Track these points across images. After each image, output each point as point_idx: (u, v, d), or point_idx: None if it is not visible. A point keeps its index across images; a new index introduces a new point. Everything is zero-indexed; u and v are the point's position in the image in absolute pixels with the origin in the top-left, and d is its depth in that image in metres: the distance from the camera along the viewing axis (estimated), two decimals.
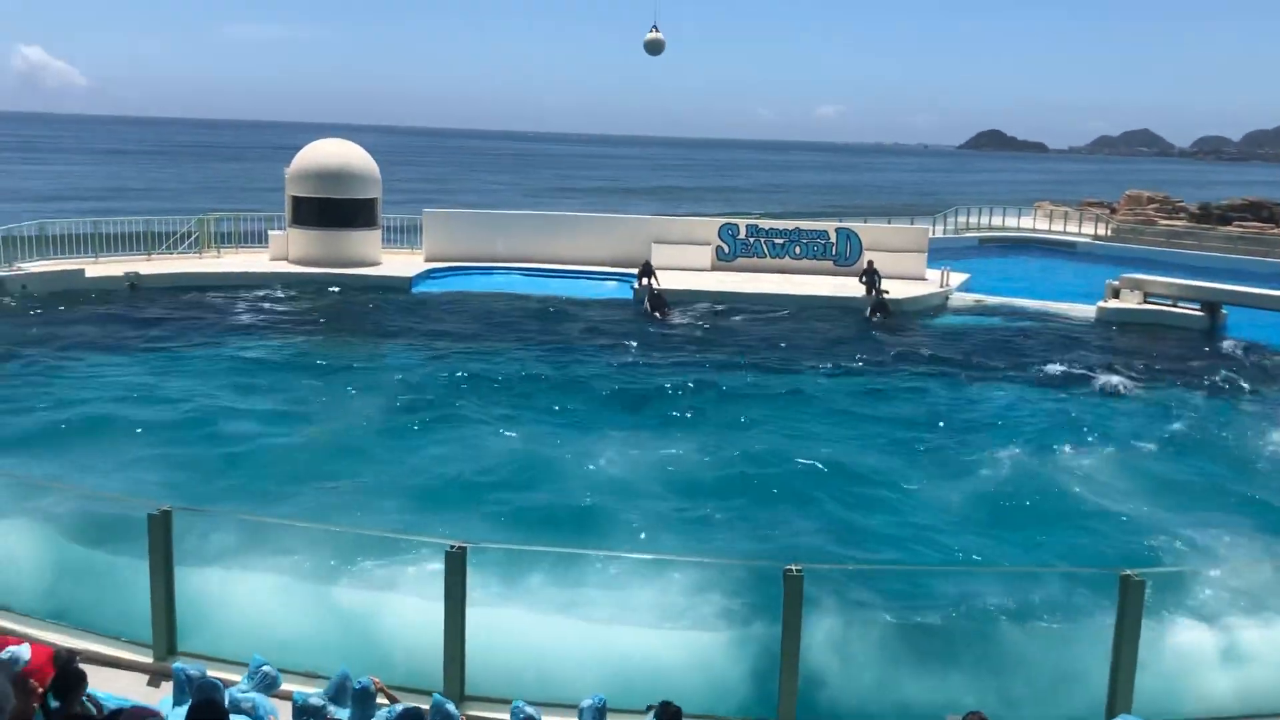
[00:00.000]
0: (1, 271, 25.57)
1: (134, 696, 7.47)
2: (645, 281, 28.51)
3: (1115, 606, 8.14)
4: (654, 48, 31.01)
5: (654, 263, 29.32)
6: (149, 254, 29.62)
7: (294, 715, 6.46)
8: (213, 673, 7.26)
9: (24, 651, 6.64)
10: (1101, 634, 8.34)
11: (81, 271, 26.69)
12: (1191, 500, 14.39)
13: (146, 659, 8.84)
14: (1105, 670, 8.18)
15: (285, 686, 7.82)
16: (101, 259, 28.40)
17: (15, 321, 23.01)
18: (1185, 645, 9.03)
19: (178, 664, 6.88)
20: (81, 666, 6.48)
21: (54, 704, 5.86)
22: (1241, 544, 12.75)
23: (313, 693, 6.55)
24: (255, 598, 9.47)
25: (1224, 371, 22.34)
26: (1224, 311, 28.08)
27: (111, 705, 6.41)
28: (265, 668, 7.21)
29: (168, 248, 30.33)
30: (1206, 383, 21.44)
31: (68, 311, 24.16)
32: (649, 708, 6.81)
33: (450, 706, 6.65)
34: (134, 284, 26.77)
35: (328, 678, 7.35)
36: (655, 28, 30.71)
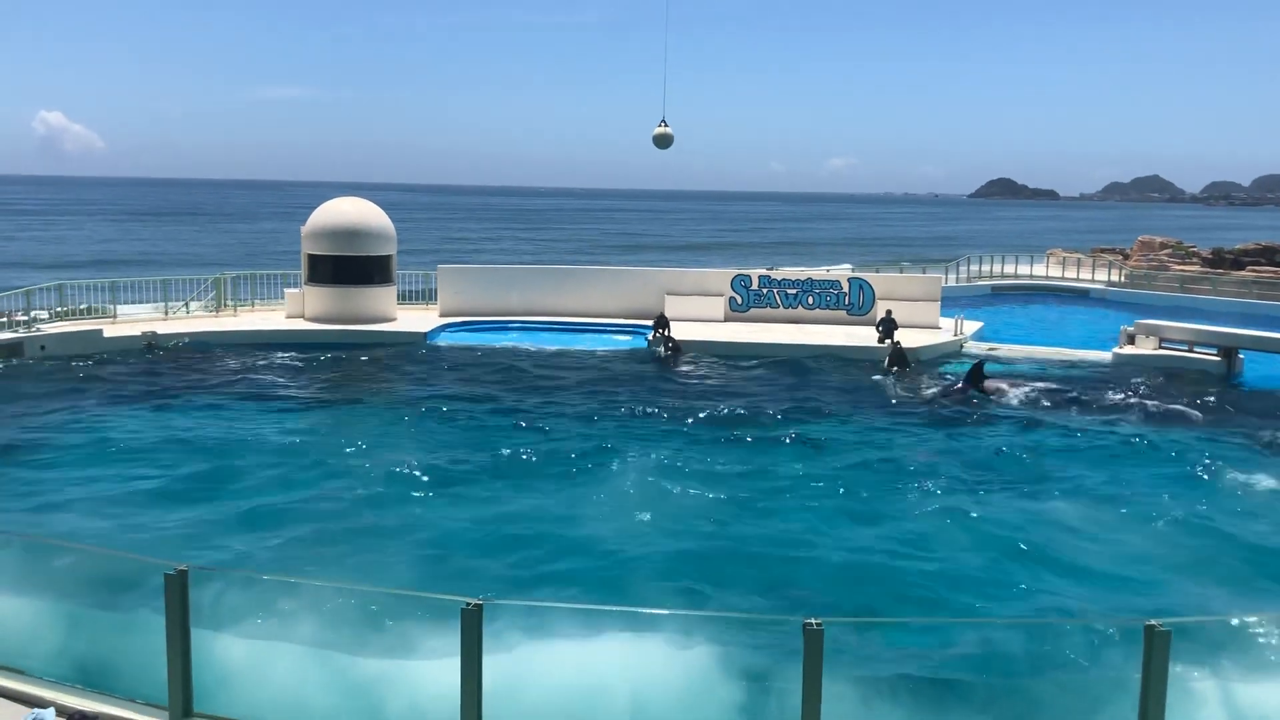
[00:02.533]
0: (20, 332, 25.81)
1: None
2: (660, 333, 28.63)
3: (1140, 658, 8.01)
4: (663, 142, 31.44)
5: (667, 314, 29.42)
6: (166, 313, 29.90)
7: None
8: None
9: (48, 715, 6.64)
10: (1129, 687, 8.20)
11: (100, 332, 26.93)
12: (1214, 549, 14.22)
13: None
14: None
15: None
16: (119, 319, 28.68)
17: (34, 382, 23.17)
18: (1215, 697, 8.87)
19: None
20: None
21: None
22: (1266, 592, 12.60)
23: None
24: (271, 658, 9.41)
25: (1242, 416, 22.16)
26: (1240, 356, 27.96)
27: None
28: None
29: (184, 306, 30.61)
30: (1225, 429, 21.27)
31: (86, 372, 24.33)
32: None
33: None
34: (151, 344, 26.98)
35: None
36: (664, 122, 31.14)
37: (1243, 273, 48.57)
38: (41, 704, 7.82)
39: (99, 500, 15.18)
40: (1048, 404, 23.43)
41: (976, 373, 24.48)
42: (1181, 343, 28.79)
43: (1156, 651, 7.94)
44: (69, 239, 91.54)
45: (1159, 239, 57.84)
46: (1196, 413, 22.62)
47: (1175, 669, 8.08)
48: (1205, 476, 17.81)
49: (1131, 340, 29.17)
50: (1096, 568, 13.39)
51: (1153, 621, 8.04)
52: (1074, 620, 11.31)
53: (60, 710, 7.71)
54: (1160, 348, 28.75)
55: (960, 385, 24.31)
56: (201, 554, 12.54)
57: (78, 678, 9.31)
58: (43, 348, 25.48)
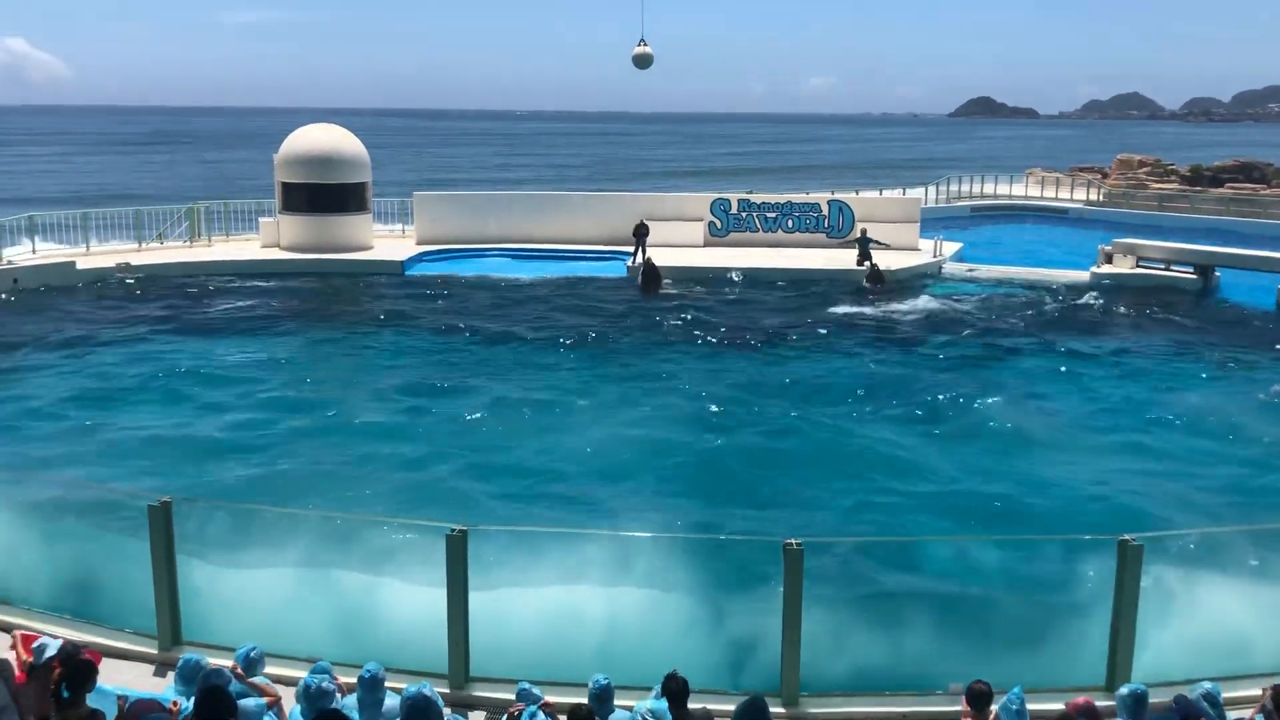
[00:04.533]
0: None
1: (140, 688, 7.52)
2: (639, 257, 28.54)
3: (1114, 572, 8.19)
4: (642, 61, 30.93)
5: (645, 243, 29.25)
6: (140, 244, 29.55)
7: (305, 700, 6.49)
8: (219, 661, 7.28)
9: (52, 644, 6.73)
10: (1102, 600, 8.40)
11: (73, 264, 26.61)
12: (1188, 463, 14.47)
13: (152, 650, 8.87)
14: (1105, 636, 8.24)
15: (290, 672, 7.88)
16: (92, 250, 28.34)
17: (8, 314, 22.94)
18: (1185, 608, 9.08)
19: (188, 654, 6.89)
20: (89, 658, 6.53)
21: (65, 695, 5.91)
22: (1237, 503, 12.85)
23: (321, 678, 6.57)
24: (258, 586, 9.50)
25: (1218, 333, 22.39)
26: (1216, 274, 28.15)
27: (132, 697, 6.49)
28: (252, 652, 7.26)
29: (158, 237, 30.24)
30: (1200, 345, 21.50)
31: (60, 303, 24.08)
32: (663, 687, 6.85)
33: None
34: (125, 274, 26.70)
35: (335, 664, 7.37)
36: (643, 41, 30.59)
37: (1221, 190, 48.59)
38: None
39: (80, 432, 15.16)
40: (1023, 320, 23.59)
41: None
42: (1159, 261, 28.94)
43: (1129, 565, 8.12)
44: (37, 171, 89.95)
45: (1138, 157, 57.69)
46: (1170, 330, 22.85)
47: (1146, 582, 8.27)
48: (1178, 392, 18.04)
49: (1109, 259, 29.28)
50: (1068, 484, 13.60)
51: (1126, 536, 8.21)
52: (1048, 536, 11.50)
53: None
54: (1137, 266, 28.90)
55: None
56: (183, 484, 12.57)
57: (67, 608, 9.40)
58: (15, 280, 25.17)
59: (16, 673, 6.63)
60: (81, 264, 26.81)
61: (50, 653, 6.67)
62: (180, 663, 6.86)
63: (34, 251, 27.25)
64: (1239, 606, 9.17)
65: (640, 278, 27.59)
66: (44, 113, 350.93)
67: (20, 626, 8.69)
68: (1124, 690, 6.44)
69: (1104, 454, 14.89)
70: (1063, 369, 19.67)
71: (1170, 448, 15.17)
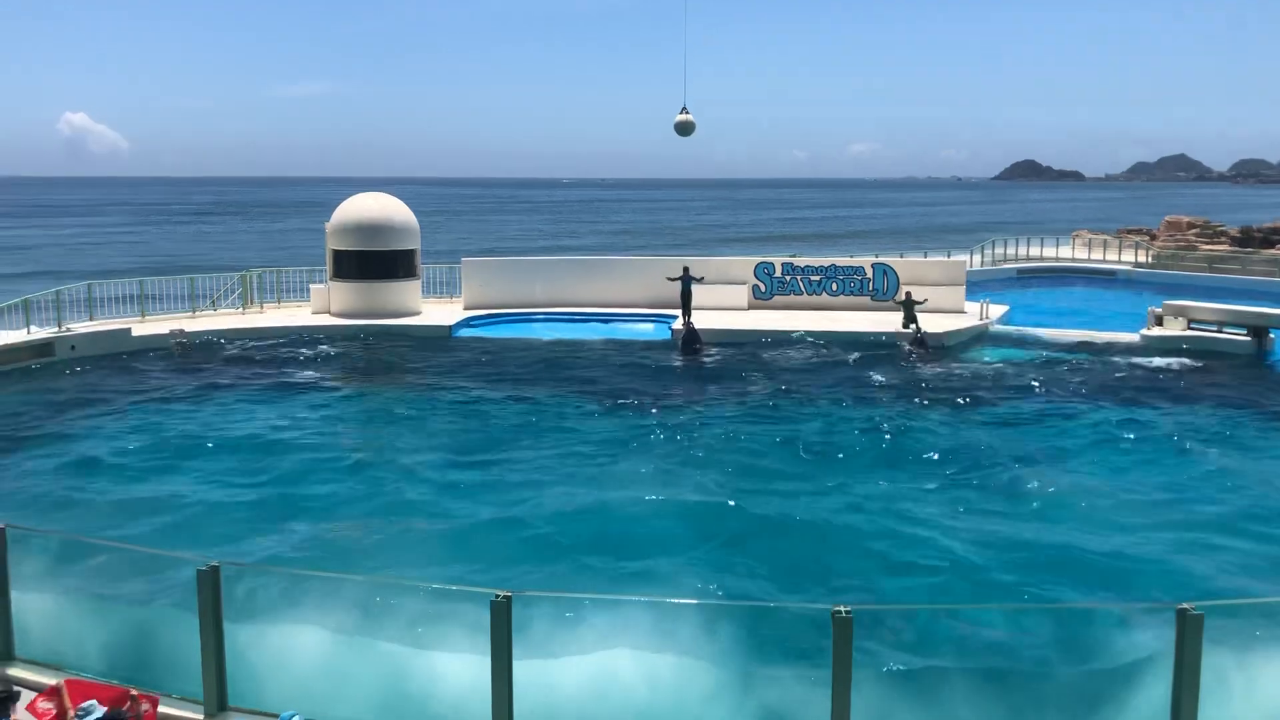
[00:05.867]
0: (50, 332, 26.08)
1: None
2: (683, 317, 28.65)
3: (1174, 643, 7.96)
4: (684, 129, 31.31)
5: (691, 304, 29.32)
6: (194, 311, 30.16)
7: None
8: None
9: (97, 709, 6.77)
10: (1163, 672, 8.16)
11: (128, 331, 27.19)
12: (1248, 531, 14.11)
13: (198, 716, 8.87)
14: (1166, 710, 7.99)
15: None
16: (148, 318, 28.98)
17: (65, 381, 23.43)
18: (1248, 681, 8.80)
19: None
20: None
21: None
22: None
23: None
24: (304, 652, 9.50)
25: (1273, 396, 21.93)
26: (1271, 335, 27.63)
27: None
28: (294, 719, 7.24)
29: (212, 303, 30.86)
30: (1255, 409, 21.06)
31: (116, 371, 24.56)
32: None
33: None
34: (180, 342, 27.22)
35: None
36: (685, 109, 31.03)
37: (1273, 251, 47.95)
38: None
39: (130, 496, 15.35)
40: (1073, 384, 23.28)
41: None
42: (1210, 323, 28.47)
43: (1189, 635, 7.88)
44: (97, 240, 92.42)
45: (1186, 218, 57.18)
46: (1225, 394, 22.41)
47: (1208, 653, 8.02)
48: (1238, 457, 17.65)
49: (1160, 321, 28.87)
50: (1126, 552, 13.30)
51: (1185, 605, 7.99)
52: (1106, 604, 11.25)
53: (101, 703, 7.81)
54: (1189, 329, 28.45)
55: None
56: (234, 548, 12.68)
57: (115, 673, 9.44)
58: (73, 347, 25.74)
59: None
60: (137, 331, 27.39)
61: (95, 716, 6.71)
62: None
63: (91, 319, 27.90)
64: None
65: (680, 341, 27.68)
66: (104, 184, 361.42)
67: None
68: None
69: (1158, 520, 14.56)
70: (1114, 433, 19.33)
71: (1226, 514, 14.80)
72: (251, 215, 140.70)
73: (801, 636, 9.61)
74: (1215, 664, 8.17)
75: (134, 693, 8.19)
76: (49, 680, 9.08)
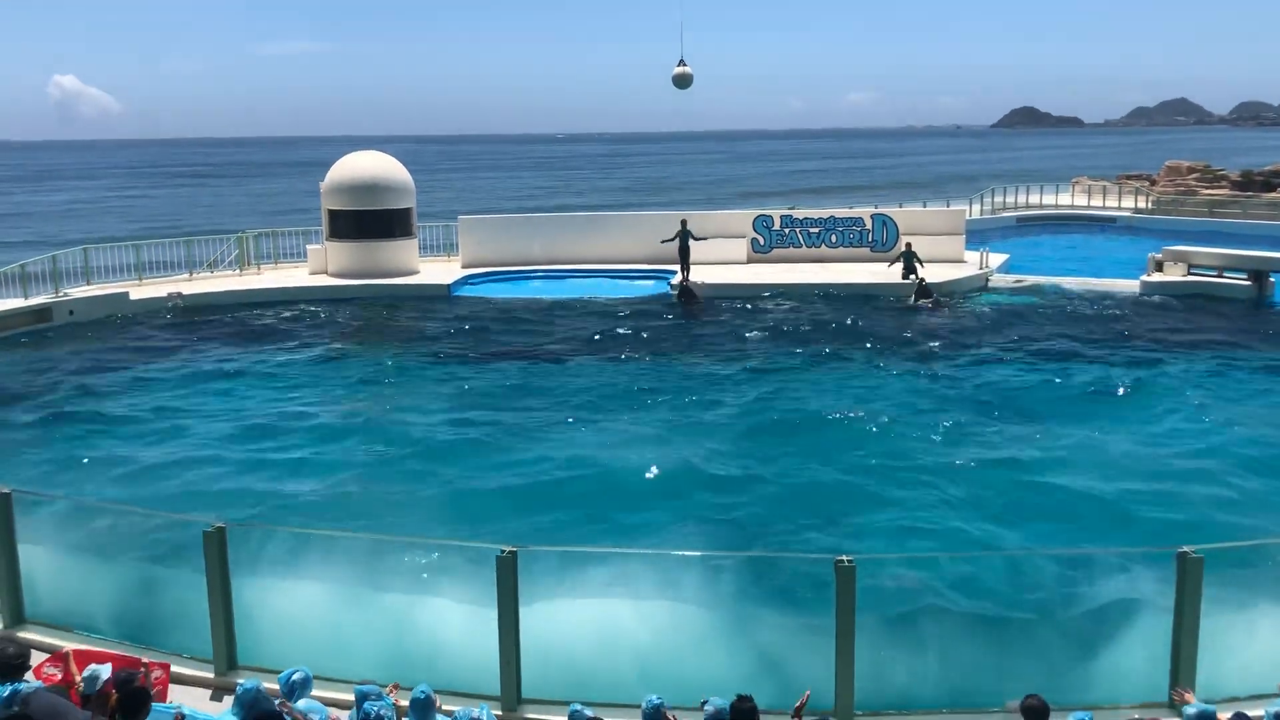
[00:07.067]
0: (48, 297, 26.03)
1: (200, 710, 7.59)
2: (682, 277, 28.56)
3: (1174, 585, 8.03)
4: (682, 81, 31.01)
5: (690, 259, 29.21)
6: (191, 274, 30.08)
7: None
8: (273, 685, 7.34)
9: (104, 670, 6.84)
10: (1162, 615, 8.23)
11: (126, 294, 27.12)
12: (1248, 474, 14.17)
13: (209, 674, 8.97)
14: (1166, 651, 8.08)
15: (344, 695, 7.91)
16: (145, 281, 28.90)
17: (64, 346, 23.42)
18: (1246, 622, 8.88)
19: (247, 683, 6.94)
20: (144, 684, 6.64)
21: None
22: None
23: (378, 704, 6.62)
24: (312, 609, 9.59)
25: (1273, 340, 21.93)
26: (1271, 280, 27.57)
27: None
28: (295, 675, 7.23)
29: (209, 266, 30.76)
30: (1255, 352, 21.08)
31: (115, 334, 24.54)
32: (702, 703, 6.82)
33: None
34: (178, 304, 27.17)
35: (385, 685, 7.41)
36: (682, 61, 30.69)
37: (1273, 194, 47.65)
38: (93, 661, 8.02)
39: (134, 458, 15.40)
40: (1073, 331, 23.27)
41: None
42: (1211, 268, 28.40)
43: (1190, 577, 7.95)
44: (91, 204, 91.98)
45: (1186, 163, 56.77)
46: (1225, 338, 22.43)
47: (1208, 594, 8.09)
48: (1237, 402, 17.69)
49: (1160, 267, 28.80)
50: (1127, 496, 13.36)
51: (1185, 548, 8.05)
52: (1105, 550, 11.32)
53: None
54: (1189, 274, 28.38)
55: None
56: (238, 509, 12.73)
57: (124, 634, 9.53)
58: (71, 312, 25.69)
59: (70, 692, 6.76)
60: (135, 294, 27.32)
61: (103, 679, 6.79)
62: (239, 690, 6.91)
63: (89, 283, 27.84)
64: None
65: (679, 296, 27.64)
66: (95, 148, 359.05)
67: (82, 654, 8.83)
68: (1190, 710, 6.30)
69: (1160, 464, 14.62)
70: (1115, 379, 19.36)
71: (1227, 457, 14.86)
72: (246, 176, 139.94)
73: (802, 586, 9.69)
74: (1214, 606, 8.25)
75: (145, 661, 8.27)
76: (59, 643, 9.19)
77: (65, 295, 26.39)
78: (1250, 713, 6.48)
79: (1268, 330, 23.75)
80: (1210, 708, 6.33)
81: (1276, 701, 6.39)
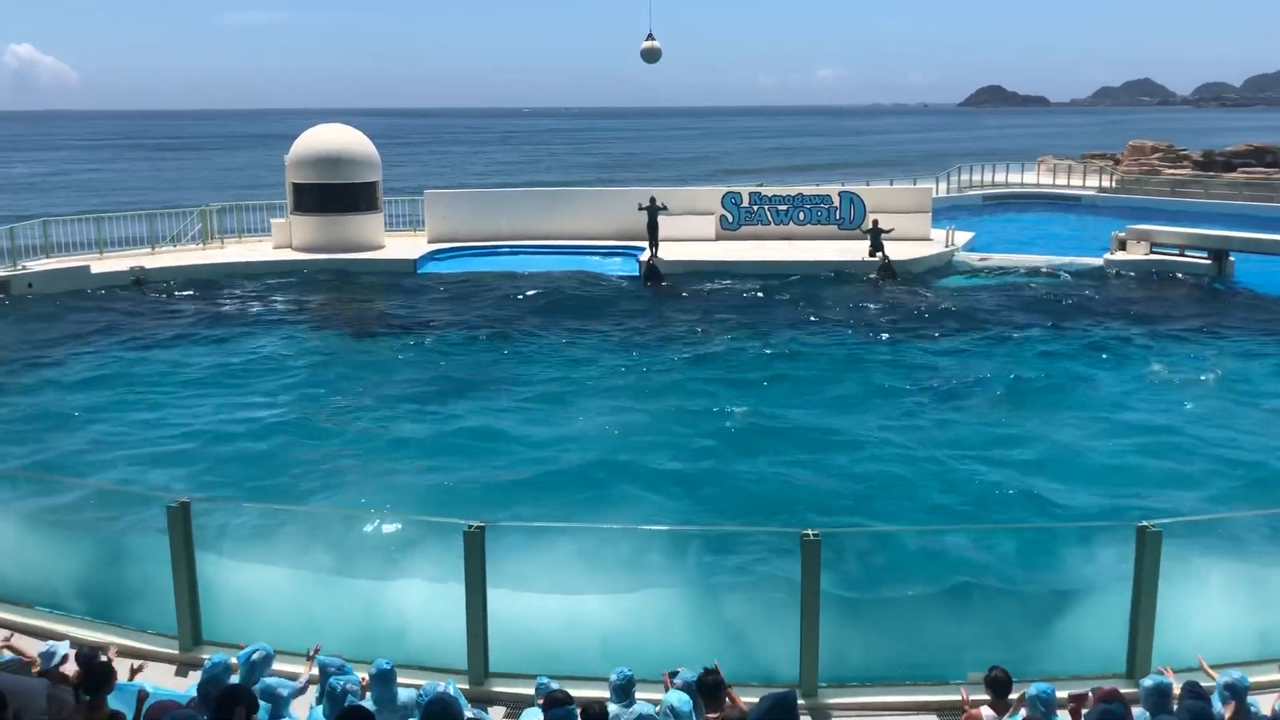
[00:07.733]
0: (6, 270, 25.61)
1: (163, 687, 7.55)
2: (649, 254, 28.51)
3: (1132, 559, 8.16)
4: (651, 56, 30.91)
5: (658, 236, 29.16)
6: (153, 248, 29.68)
7: (328, 701, 6.52)
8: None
9: (61, 647, 6.78)
10: (1121, 587, 8.36)
11: (87, 268, 26.73)
12: (1206, 449, 14.40)
13: (173, 650, 8.91)
14: (1125, 623, 8.21)
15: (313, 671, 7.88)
16: (106, 254, 28.47)
17: (23, 320, 23.08)
18: (1205, 595, 9.04)
19: (214, 655, 6.89)
20: (108, 660, 6.58)
21: (85, 698, 5.97)
22: (1255, 490, 12.79)
23: (346, 678, 6.60)
24: (277, 585, 9.53)
25: (1233, 318, 22.25)
26: (1231, 259, 27.96)
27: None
28: (255, 654, 7.12)
29: (171, 240, 30.36)
30: (1216, 331, 21.38)
31: (75, 308, 24.19)
32: (671, 674, 6.86)
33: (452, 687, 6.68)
34: (139, 278, 26.81)
35: (353, 661, 7.39)
36: (651, 35, 30.54)
37: (1234, 174, 48.29)
38: (53, 637, 7.95)
39: (96, 433, 15.24)
40: (1036, 308, 23.50)
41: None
42: (1172, 247, 28.77)
43: (1149, 551, 8.08)
44: (50, 177, 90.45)
45: (1150, 143, 57.37)
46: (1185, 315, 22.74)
47: (1165, 567, 8.23)
48: (1193, 378, 17.96)
49: (1123, 245, 29.14)
50: (1088, 472, 13.55)
51: (1144, 523, 8.17)
52: (1065, 524, 11.48)
53: (72, 644, 7.82)
54: (1151, 252, 28.75)
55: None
56: (202, 484, 12.64)
57: (87, 610, 9.45)
58: (30, 285, 25.30)
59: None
60: (96, 268, 26.93)
61: (59, 656, 6.73)
62: (206, 665, 6.84)
63: (48, 256, 27.39)
64: (1261, 591, 9.12)
65: (645, 273, 27.62)
66: (53, 118, 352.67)
67: (45, 630, 8.77)
68: (1148, 682, 6.40)
69: (1120, 440, 14.83)
70: (1077, 356, 19.59)
71: (1186, 434, 15.10)
72: (209, 149, 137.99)
73: (769, 559, 9.76)
74: (1171, 579, 8.39)
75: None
76: (17, 619, 9.10)
77: (24, 268, 25.97)
78: (1203, 683, 6.60)
79: (1226, 308, 24.10)
80: (1166, 679, 6.44)
81: (1228, 671, 6.51)
